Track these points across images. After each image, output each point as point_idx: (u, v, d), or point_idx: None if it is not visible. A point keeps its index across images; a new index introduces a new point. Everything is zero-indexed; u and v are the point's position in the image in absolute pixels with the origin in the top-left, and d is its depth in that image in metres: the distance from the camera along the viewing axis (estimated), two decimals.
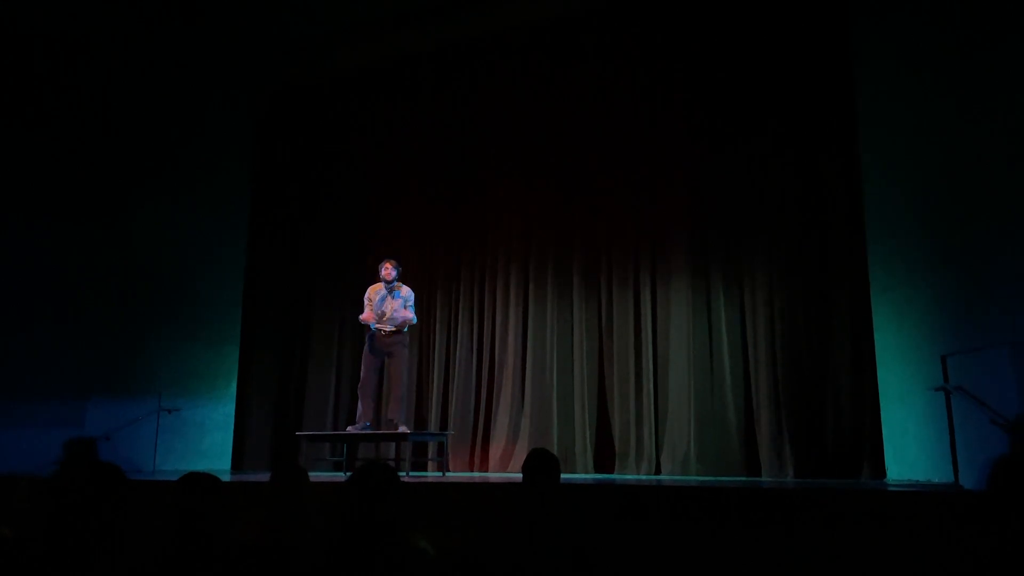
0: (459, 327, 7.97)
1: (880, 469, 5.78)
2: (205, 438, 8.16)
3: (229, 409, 8.38)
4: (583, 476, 6.69)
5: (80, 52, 8.34)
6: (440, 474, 6.68)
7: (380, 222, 8.43)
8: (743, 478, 6.16)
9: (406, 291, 6.75)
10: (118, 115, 8.64)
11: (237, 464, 8.22)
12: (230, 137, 8.89)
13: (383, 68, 8.58)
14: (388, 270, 6.71)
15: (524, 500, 2.82)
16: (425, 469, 7.33)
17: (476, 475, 7.14)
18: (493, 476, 6.99)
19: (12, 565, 1.43)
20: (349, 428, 6.79)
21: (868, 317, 6.01)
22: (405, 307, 6.67)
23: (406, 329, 6.71)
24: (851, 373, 6.11)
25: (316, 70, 8.83)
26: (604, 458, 7.01)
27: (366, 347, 6.71)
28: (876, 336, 5.93)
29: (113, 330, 8.32)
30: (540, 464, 2.88)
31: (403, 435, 6.36)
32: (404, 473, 6.19)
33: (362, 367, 6.70)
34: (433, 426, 7.69)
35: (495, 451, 7.42)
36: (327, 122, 8.89)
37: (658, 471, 6.66)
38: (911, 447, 5.54)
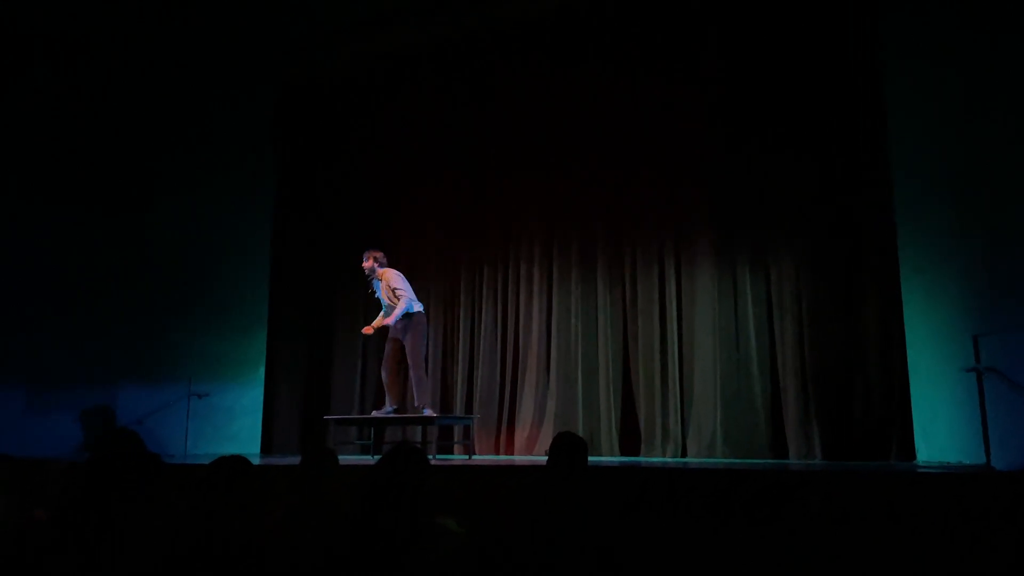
0: (483, 311, 7.98)
1: (909, 451, 5.72)
2: (234, 423, 8.26)
3: (258, 394, 8.48)
4: (609, 459, 6.70)
5: (105, 46, 8.42)
6: (466, 457, 6.73)
7: (403, 208, 8.45)
8: (770, 460, 6.13)
9: (387, 277, 6.70)
10: (145, 109, 8.73)
11: (266, 448, 8.33)
12: (255, 127, 8.93)
13: (406, 57, 8.55)
14: (363, 265, 6.72)
15: (550, 482, 2.83)
16: (451, 452, 7.38)
17: (502, 458, 7.18)
18: (519, 459, 7.02)
19: (46, 546, 1.47)
20: (375, 412, 6.85)
21: (898, 298, 5.93)
22: (393, 295, 6.64)
23: (412, 309, 6.64)
24: (880, 354, 6.04)
25: (339, 61, 8.82)
26: (630, 441, 7.01)
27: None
28: (906, 317, 5.85)
29: (143, 317, 8.46)
30: (566, 446, 2.89)
31: (429, 419, 6.40)
32: (431, 456, 6.24)
33: (384, 353, 6.77)
34: (458, 410, 7.73)
35: (520, 434, 7.45)
36: (351, 111, 8.89)
37: (684, 454, 6.64)
38: (941, 428, 5.48)
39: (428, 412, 6.52)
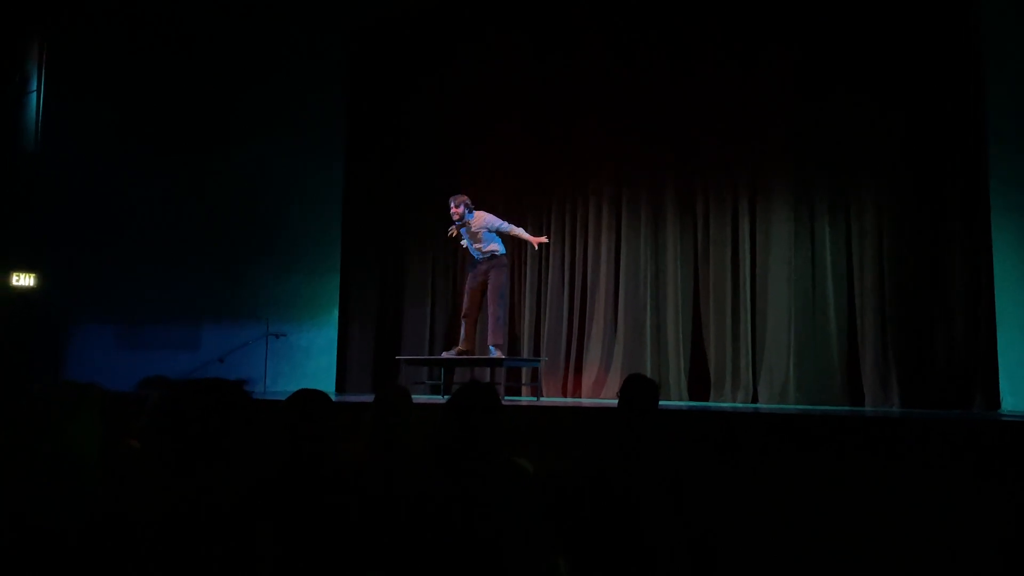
0: (551, 255, 7.95)
1: (994, 399, 5.53)
2: (310, 362, 8.52)
3: (332, 334, 8.71)
4: (677, 403, 6.67)
5: None
6: (534, 399, 6.79)
7: (471, 153, 8.40)
8: (845, 408, 6.01)
9: (484, 220, 6.63)
10: (221, 55, 8.85)
11: (340, 386, 8.58)
12: (328, 71, 8.97)
13: (479, 1, 8.40)
14: (451, 212, 6.65)
15: (620, 425, 2.82)
16: (519, 394, 7.46)
17: (569, 400, 7.23)
18: (586, 402, 7.05)
19: (139, 472, 1.55)
20: (444, 353, 6.95)
21: (987, 243, 5.67)
22: (498, 232, 6.63)
23: (501, 253, 6.65)
24: (965, 299, 5.81)
25: (411, 4, 8.74)
26: (699, 386, 6.96)
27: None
28: (995, 260, 5.60)
29: (223, 259, 8.73)
30: (637, 388, 2.86)
31: (498, 360, 6.46)
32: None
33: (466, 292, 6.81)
34: (526, 353, 7.79)
35: (588, 378, 7.47)
36: (422, 56, 8.81)
37: (755, 399, 6.57)
38: None
39: (496, 352, 6.57)
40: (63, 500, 1.40)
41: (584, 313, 7.69)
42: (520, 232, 6.68)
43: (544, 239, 6.92)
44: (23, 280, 8.42)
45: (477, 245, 6.66)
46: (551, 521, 2.12)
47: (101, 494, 1.43)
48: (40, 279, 8.51)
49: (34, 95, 8.72)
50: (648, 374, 6.89)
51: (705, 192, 7.15)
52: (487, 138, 8.35)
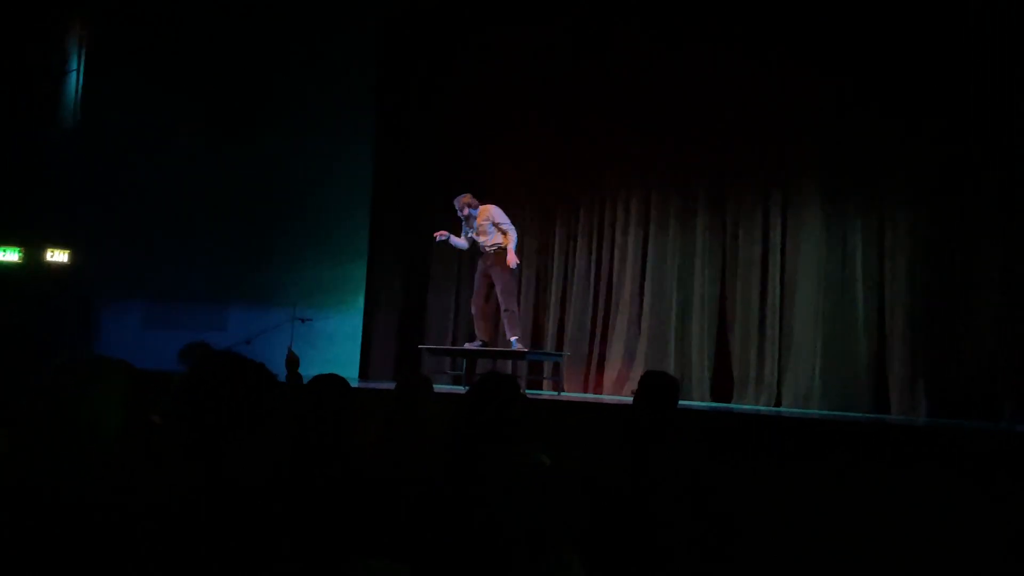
0: (577, 249, 7.93)
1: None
2: (334, 348, 8.57)
3: (357, 321, 8.77)
4: (700, 403, 6.63)
5: None
6: (555, 393, 6.78)
7: (501, 145, 8.37)
8: (870, 415, 5.93)
9: (490, 213, 6.64)
10: (252, 37, 8.89)
11: (364, 373, 8.64)
12: (359, 57, 9.00)
13: None
14: (460, 212, 6.67)
15: (635, 421, 2.79)
16: (540, 388, 7.46)
17: (590, 396, 7.21)
18: (607, 398, 7.03)
19: (159, 447, 1.57)
20: (467, 345, 6.98)
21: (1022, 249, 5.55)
22: (498, 229, 6.63)
23: (512, 247, 6.63)
24: (997, 308, 5.69)
25: None
26: (722, 386, 6.90)
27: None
28: None
29: (251, 242, 8.80)
30: (654, 385, 2.81)
31: (520, 353, 6.46)
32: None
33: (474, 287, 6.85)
34: (549, 347, 7.78)
35: (610, 374, 7.45)
36: (455, 43, 8.80)
37: (779, 403, 6.50)
38: None
39: (517, 344, 6.58)
40: (82, 470, 1.42)
41: (609, 309, 7.66)
42: (511, 240, 6.59)
43: (513, 262, 6.66)
44: (57, 256, 8.55)
45: (483, 239, 6.68)
46: (566, 516, 2.11)
47: (119, 467, 1.45)
48: (73, 256, 8.64)
49: (74, 74, 8.84)
50: (672, 372, 6.85)
51: (736, 194, 7.08)
52: (517, 131, 8.32)
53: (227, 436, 1.47)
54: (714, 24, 7.20)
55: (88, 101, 8.85)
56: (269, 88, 8.97)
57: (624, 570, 2.33)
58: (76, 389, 1.50)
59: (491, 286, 6.75)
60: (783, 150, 6.87)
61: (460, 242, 6.90)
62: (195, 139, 8.73)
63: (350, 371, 8.54)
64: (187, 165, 8.71)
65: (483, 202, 6.81)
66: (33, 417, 1.47)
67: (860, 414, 5.89)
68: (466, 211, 6.68)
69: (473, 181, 8.37)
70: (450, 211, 7.13)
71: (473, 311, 6.86)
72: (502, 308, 6.65)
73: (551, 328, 7.95)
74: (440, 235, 6.83)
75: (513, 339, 6.60)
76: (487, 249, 6.68)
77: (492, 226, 6.64)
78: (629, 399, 6.22)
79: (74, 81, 8.87)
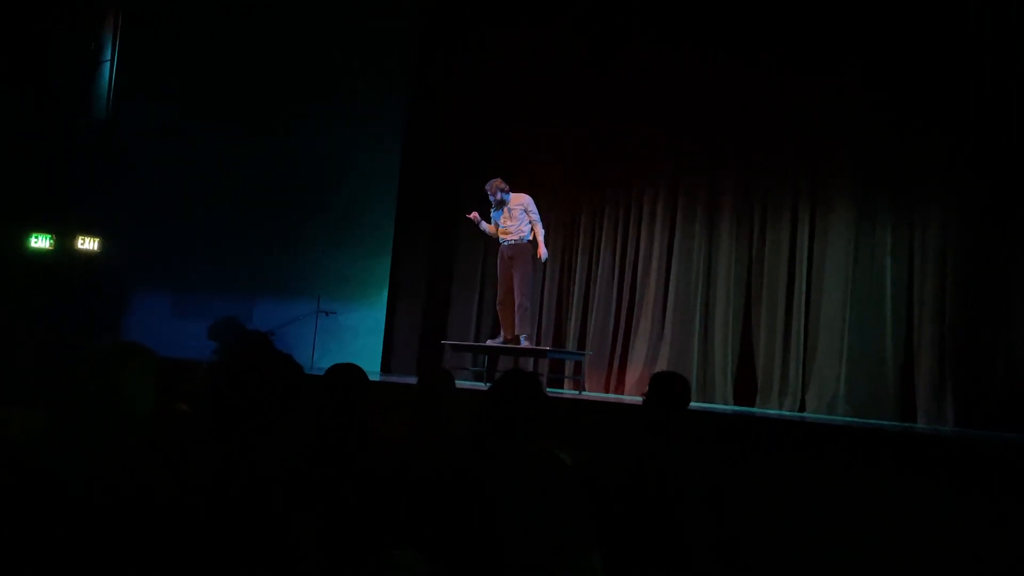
0: (601, 249, 7.91)
1: None
2: (357, 341, 8.62)
3: (380, 315, 8.80)
4: (722, 407, 6.58)
5: None
6: (576, 392, 6.77)
7: (529, 141, 8.36)
8: (896, 423, 5.85)
9: (523, 201, 6.71)
10: (283, 29, 8.94)
11: (386, 367, 8.67)
12: (390, 50, 9.02)
13: None
14: (492, 197, 6.71)
15: (643, 423, 2.75)
16: (561, 387, 7.45)
17: (611, 396, 7.19)
18: (628, 399, 7.01)
19: (186, 436, 1.58)
20: (489, 341, 6.99)
21: None
22: (525, 218, 6.65)
23: (526, 240, 6.70)
24: None
25: None
26: (745, 390, 6.84)
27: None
28: None
29: (278, 234, 8.87)
30: (664, 386, 2.76)
31: (542, 351, 6.46)
32: None
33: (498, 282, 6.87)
34: (571, 346, 7.76)
35: (632, 375, 7.42)
36: (485, 38, 8.79)
37: (802, 408, 6.44)
38: None
39: (525, 342, 6.60)
40: (115, 453, 1.44)
41: (632, 310, 7.64)
42: (540, 233, 6.71)
43: (544, 255, 6.83)
44: (87, 244, 8.67)
45: (511, 223, 6.68)
46: (587, 514, 2.10)
47: (149, 453, 1.47)
48: (104, 244, 8.75)
49: (107, 64, 8.95)
50: (694, 375, 6.84)
51: (764, 196, 7.03)
52: (545, 127, 8.30)
53: (252, 425, 1.48)
54: (746, 29, 7.14)
55: (120, 91, 8.96)
56: (299, 80, 9.02)
57: (645, 569, 2.32)
58: (110, 374, 1.52)
59: (512, 278, 6.77)
60: (813, 153, 6.81)
61: (488, 228, 6.95)
62: (225, 130, 8.80)
63: (372, 365, 8.57)
64: (216, 156, 8.79)
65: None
66: (68, 402, 1.49)
67: (885, 422, 5.82)
68: (499, 195, 6.73)
69: (499, 178, 8.38)
70: (475, 207, 7.15)
71: (499, 307, 6.88)
72: (516, 303, 6.67)
73: (573, 327, 7.94)
74: (474, 216, 6.87)
75: (522, 336, 6.62)
76: (507, 240, 6.69)
77: (523, 212, 6.68)
78: None
79: (107, 71, 8.99)
